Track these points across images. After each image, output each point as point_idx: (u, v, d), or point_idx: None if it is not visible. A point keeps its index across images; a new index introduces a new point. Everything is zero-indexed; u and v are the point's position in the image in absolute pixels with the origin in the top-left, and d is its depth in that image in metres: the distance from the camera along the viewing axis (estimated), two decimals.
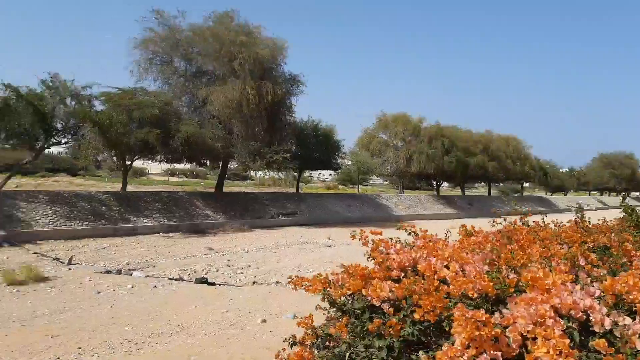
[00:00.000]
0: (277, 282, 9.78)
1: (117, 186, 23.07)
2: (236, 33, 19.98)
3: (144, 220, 16.46)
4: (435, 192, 39.20)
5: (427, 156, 31.44)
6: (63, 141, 18.33)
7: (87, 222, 14.96)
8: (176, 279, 9.59)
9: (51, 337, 5.86)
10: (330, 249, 14.87)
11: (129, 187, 20.66)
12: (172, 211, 17.95)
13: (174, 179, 50.98)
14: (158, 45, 20.63)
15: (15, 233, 12.98)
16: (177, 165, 34.69)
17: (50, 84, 16.65)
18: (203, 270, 10.60)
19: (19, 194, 15.58)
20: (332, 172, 51.95)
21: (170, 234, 15.96)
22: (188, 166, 40.23)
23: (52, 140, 17.50)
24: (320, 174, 65.10)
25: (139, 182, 37.11)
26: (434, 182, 40.27)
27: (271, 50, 20.64)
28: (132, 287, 8.68)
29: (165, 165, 34.86)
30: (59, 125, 17.31)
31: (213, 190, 24.67)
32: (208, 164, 28.19)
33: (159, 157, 20.46)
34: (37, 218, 14.19)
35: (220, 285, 9.34)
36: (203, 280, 9.44)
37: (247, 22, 21.21)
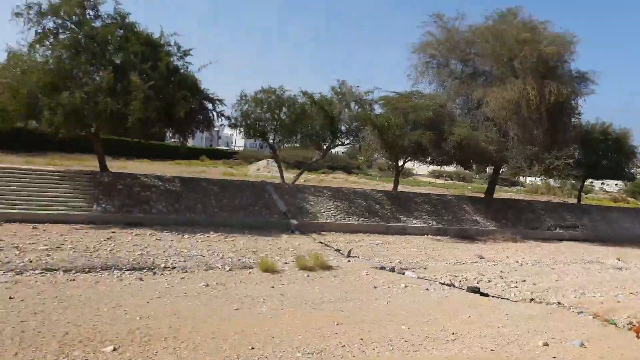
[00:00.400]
0: (559, 302, 8.76)
1: (387, 185, 24.26)
2: (518, 30, 18.77)
3: (414, 221, 16.80)
4: None
5: None
6: (346, 142, 20.13)
7: (362, 218, 16.02)
8: (447, 284, 9.42)
9: (336, 324, 6.29)
10: (621, 271, 12.83)
11: (399, 187, 21.42)
12: (440, 214, 17.91)
13: (440, 181, 51.31)
14: (435, 49, 20.85)
15: (304, 223, 14.72)
16: (443, 167, 34.64)
17: (339, 90, 18.40)
18: (474, 279, 10.19)
19: (307, 189, 17.67)
20: (617, 182, 44.86)
21: (439, 237, 15.90)
22: (453, 168, 39.97)
23: (337, 141, 19.38)
24: (603, 183, 56.91)
25: (406, 182, 38.49)
26: None
27: (557, 46, 18.73)
28: (405, 286, 8.83)
29: (431, 167, 35.21)
30: (343, 128, 19.03)
31: (482, 195, 23.82)
32: (474, 167, 27.41)
33: (429, 159, 20.65)
34: (322, 211, 15.81)
35: (493, 297, 8.80)
36: (475, 290, 9.04)
37: (532, 18, 19.77)
